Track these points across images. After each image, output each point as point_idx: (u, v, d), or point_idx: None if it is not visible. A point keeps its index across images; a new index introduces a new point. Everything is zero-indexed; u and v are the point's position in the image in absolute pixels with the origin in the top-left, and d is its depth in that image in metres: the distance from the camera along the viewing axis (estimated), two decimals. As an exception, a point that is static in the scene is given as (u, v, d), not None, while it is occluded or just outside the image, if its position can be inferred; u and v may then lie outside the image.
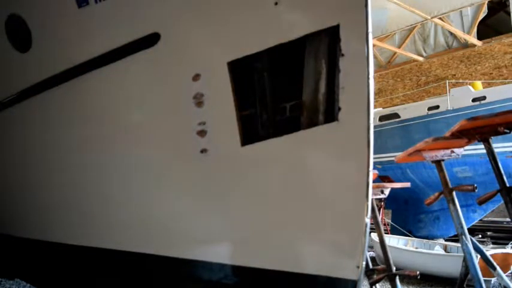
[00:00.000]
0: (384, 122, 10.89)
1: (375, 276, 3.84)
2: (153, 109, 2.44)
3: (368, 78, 1.86)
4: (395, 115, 10.89)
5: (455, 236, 7.65)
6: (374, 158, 1.93)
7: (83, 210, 2.99)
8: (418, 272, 3.55)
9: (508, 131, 2.74)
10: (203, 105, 2.22)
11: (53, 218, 3.26)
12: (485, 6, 13.60)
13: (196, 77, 2.21)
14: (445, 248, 7.64)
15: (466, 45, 14.53)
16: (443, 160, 3.25)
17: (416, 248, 7.94)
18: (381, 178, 10.35)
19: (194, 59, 2.23)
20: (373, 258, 7.78)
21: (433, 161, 3.24)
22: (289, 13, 1.98)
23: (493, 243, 9.65)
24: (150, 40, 2.27)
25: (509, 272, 5.60)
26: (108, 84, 2.53)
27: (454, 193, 3.19)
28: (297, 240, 2.11)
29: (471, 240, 3.12)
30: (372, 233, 7.14)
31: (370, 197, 1.91)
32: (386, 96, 16.70)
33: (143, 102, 2.47)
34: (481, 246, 3.26)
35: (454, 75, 14.65)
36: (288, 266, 2.12)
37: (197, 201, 2.40)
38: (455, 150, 3.23)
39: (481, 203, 2.95)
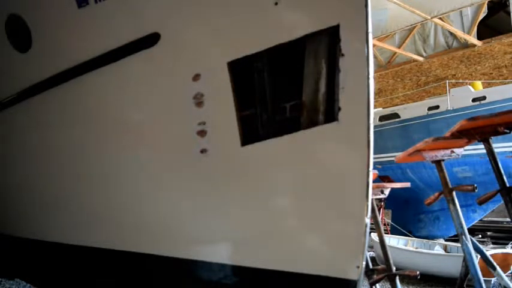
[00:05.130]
0: (384, 122, 10.89)
1: (375, 276, 3.84)
2: (153, 109, 2.44)
3: (368, 78, 1.86)
4: (395, 115, 10.89)
5: (455, 236, 7.66)
6: (374, 158, 1.93)
7: (83, 211, 2.99)
8: (418, 272, 3.55)
9: (508, 131, 2.74)
10: (203, 105, 2.22)
11: (53, 218, 3.26)
12: (485, 6, 13.60)
13: (196, 77, 2.21)
14: (445, 248, 7.64)
15: (466, 45, 14.54)
16: (443, 160, 3.25)
17: (416, 248, 7.94)
18: (381, 178, 10.35)
19: (194, 59, 2.23)
20: (373, 258, 7.78)
21: (433, 161, 3.24)
22: (289, 13, 1.98)
23: (493, 243, 9.65)
24: (150, 40, 2.27)
25: (509, 272, 5.60)
26: (108, 84, 2.52)
27: (454, 193, 3.18)
28: (297, 240, 2.11)
29: (471, 240, 3.12)
30: (372, 233, 7.14)
31: (370, 197, 1.91)
32: (386, 96, 16.70)
33: (143, 102, 2.47)
34: (481, 246, 3.26)
35: (454, 75, 14.65)
36: (288, 266, 2.12)
37: (197, 201, 2.40)
38: (455, 150, 3.23)
39: (481, 203, 2.95)
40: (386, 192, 4.08)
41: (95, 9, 2.40)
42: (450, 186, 3.21)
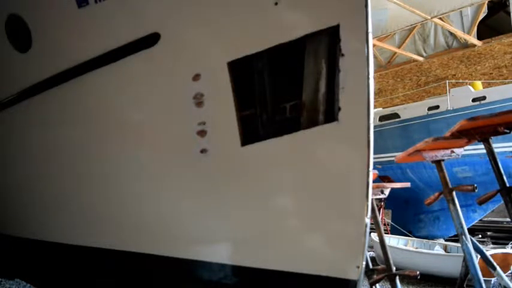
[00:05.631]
0: (383, 122, 10.89)
1: (375, 276, 3.84)
2: (153, 109, 2.44)
3: (368, 78, 1.86)
4: (395, 115, 10.89)
5: (455, 236, 7.66)
6: (374, 158, 1.93)
7: (83, 211, 2.98)
8: (418, 272, 3.55)
9: (508, 131, 2.74)
10: (203, 105, 2.22)
11: (53, 218, 3.26)
12: (485, 6, 13.61)
13: (196, 77, 2.21)
14: (445, 248, 7.65)
15: (466, 45, 14.54)
16: (443, 160, 3.25)
17: (416, 248, 7.94)
18: (381, 178, 10.35)
19: (194, 59, 2.23)
20: (373, 258, 7.78)
21: (433, 161, 3.24)
22: (289, 13, 1.98)
23: (493, 243, 9.66)
24: (150, 40, 2.27)
25: (509, 272, 5.60)
26: (108, 84, 2.52)
27: (454, 193, 3.18)
28: (296, 240, 2.11)
29: (471, 240, 3.12)
30: (372, 233, 7.14)
31: (370, 197, 1.91)
32: (386, 96, 16.71)
33: (143, 102, 2.47)
34: (481, 246, 3.26)
35: (454, 75, 14.66)
36: (288, 266, 2.12)
37: (197, 201, 2.39)
38: (455, 150, 3.23)
39: (481, 203, 2.95)
40: (386, 192, 4.08)
41: (95, 9, 2.40)
42: (450, 186, 3.21)
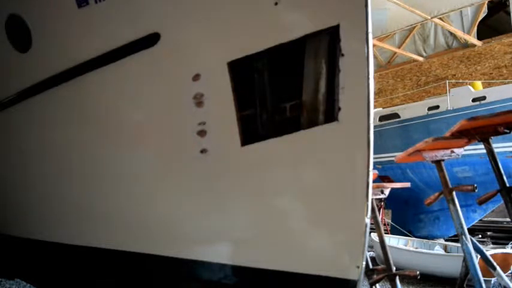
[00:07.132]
0: (383, 122, 10.90)
1: (375, 276, 3.84)
2: (153, 109, 2.44)
3: (368, 78, 1.86)
4: (395, 115, 10.91)
5: (455, 236, 7.66)
6: (374, 158, 1.93)
7: (82, 211, 2.98)
8: (418, 272, 3.55)
9: (508, 131, 2.74)
10: (203, 105, 2.22)
11: (53, 218, 3.26)
12: (485, 6, 13.63)
13: (196, 77, 2.21)
14: (445, 248, 7.65)
15: (466, 45, 14.56)
16: (443, 160, 3.25)
17: (416, 248, 7.94)
18: (381, 178, 10.35)
19: (194, 59, 2.23)
20: (373, 258, 7.78)
21: (433, 161, 3.24)
22: (289, 13, 1.98)
23: (493, 243, 9.66)
24: (150, 40, 2.27)
25: (509, 272, 5.61)
26: (108, 84, 2.52)
27: (454, 193, 3.18)
28: (296, 240, 2.11)
29: (471, 240, 3.12)
30: (372, 233, 7.14)
31: (370, 197, 1.91)
32: (386, 96, 16.72)
33: (143, 102, 2.47)
34: (481, 246, 3.26)
35: (454, 75, 14.67)
36: (288, 266, 2.12)
37: (197, 201, 2.40)
38: (455, 150, 3.23)
39: (481, 203, 2.95)
40: (386, 192, 4.08)
41: (95, 9, 2.40)
42: (450, 186, 3.21)
